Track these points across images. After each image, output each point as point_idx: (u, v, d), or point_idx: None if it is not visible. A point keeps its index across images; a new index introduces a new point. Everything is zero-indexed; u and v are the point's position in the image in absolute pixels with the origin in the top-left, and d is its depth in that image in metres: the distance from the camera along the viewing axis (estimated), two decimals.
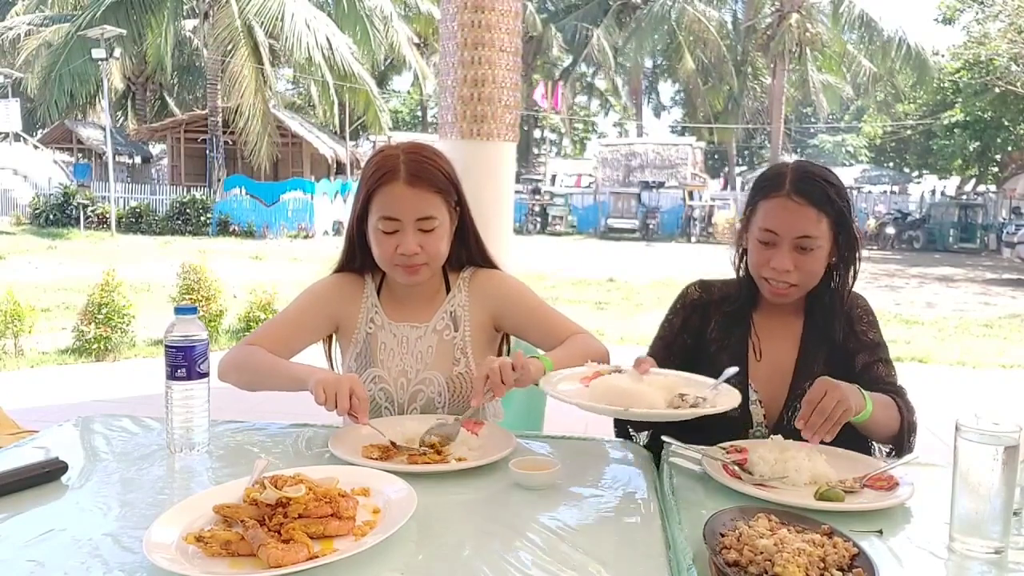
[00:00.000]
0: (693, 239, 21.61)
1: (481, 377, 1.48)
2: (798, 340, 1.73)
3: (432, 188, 1.67)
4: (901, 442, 1.59)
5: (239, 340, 7.19)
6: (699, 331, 1.80)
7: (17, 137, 22.54)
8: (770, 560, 1.00)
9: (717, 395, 1.45)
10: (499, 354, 1.90)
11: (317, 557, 1.03)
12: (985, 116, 24.79)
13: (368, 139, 28.57)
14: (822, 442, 1.39)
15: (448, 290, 1.82)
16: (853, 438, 1.54)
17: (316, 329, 1.81)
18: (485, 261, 1.86)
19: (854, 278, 1.72)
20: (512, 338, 1.94)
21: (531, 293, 1.84)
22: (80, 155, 24.79)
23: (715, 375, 1.66)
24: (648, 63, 33.76)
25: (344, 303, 1.81)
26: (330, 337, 1.87)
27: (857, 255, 1.70)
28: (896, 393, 1.64)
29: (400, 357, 1.76)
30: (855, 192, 25.71)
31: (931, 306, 11.02)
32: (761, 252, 1.66)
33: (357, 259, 1.81)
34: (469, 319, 1.79)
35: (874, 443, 1.67)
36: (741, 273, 1.80)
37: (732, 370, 1.51)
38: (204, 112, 21.89)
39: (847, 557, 1.03)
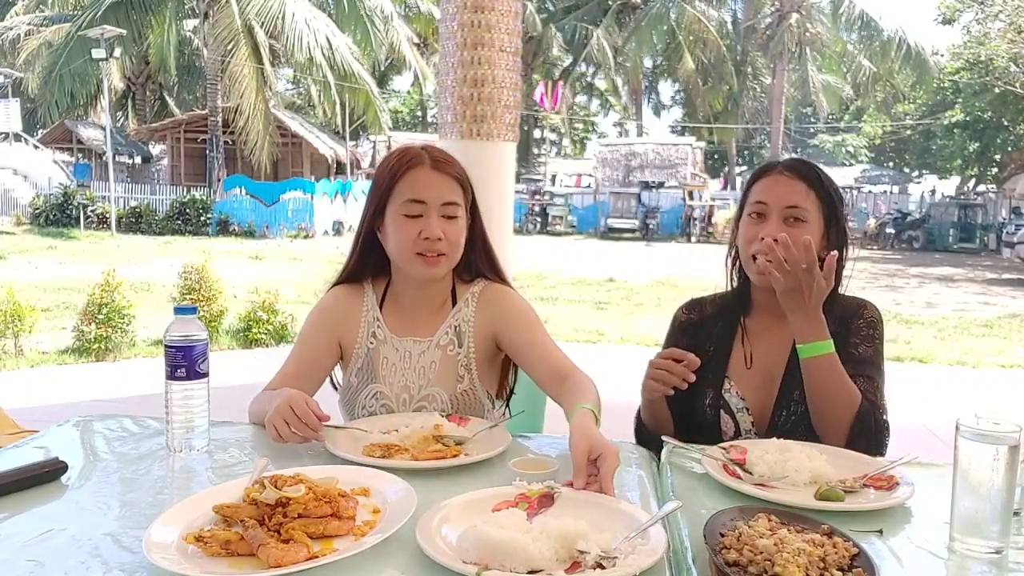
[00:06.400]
0: (693, 239, 21.63)
1: (590, 462, 1.26)
2: (789, 344, 1.67)
3: (455, 176, 1.69)
4: (866, 432, 1.54)
5: (239, 340, 7.14)
6: (693, 350, 1.62)
7: (17, 137, 22.53)
8: (770, 560, 1.00)
9: (631, 553, 1.04)
10: (503, 373, 1.82)
11: (317, 557, 1.03)
12: (985, 116, 24.86)
13: (368, 139, 28.57)
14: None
15: (454, 303, 1.77)
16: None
17: (326, 356, 1.76)
18: (493, 270, 1.81)
19: (839, 274, 1.66)
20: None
21: (537, 319, 1.77)
22: (80, 155, 24.78)
23: (703, 386, 1.66)
24: (648, 63, 33.74)
25: (344, 320, 1.77)
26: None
27: (846, 253, 1.69)
28: (868, 401, 1.57)
29: (402, 372, 1.73)
30: (855, 192, 25.76)
31: (931, 306, 11.03)
32: (750, 227, 1.67)
33: (360, 260, 1.77)
34: (473, 335, 1.74)
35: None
36: (734, 279, 1.78)
37: (673, 504, 1.15)
38: (204, 112, 21.90)
39: (847, 557, 1.03)
